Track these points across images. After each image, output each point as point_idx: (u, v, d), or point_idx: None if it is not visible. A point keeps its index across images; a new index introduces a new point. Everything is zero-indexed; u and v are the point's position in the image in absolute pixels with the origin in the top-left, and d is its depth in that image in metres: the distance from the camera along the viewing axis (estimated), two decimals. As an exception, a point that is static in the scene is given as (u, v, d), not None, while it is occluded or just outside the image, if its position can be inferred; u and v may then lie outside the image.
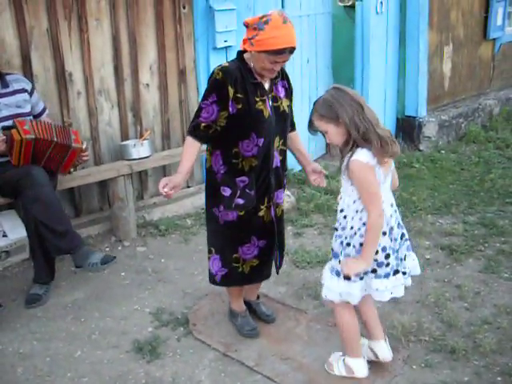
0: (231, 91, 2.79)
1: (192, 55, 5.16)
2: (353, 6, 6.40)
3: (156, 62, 4.94)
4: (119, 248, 4.51)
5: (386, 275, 2.65)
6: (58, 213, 3.61)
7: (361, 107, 2.48)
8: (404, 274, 2.74)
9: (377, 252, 2.60)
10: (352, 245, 2.63)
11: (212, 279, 3.22)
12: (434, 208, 5.10)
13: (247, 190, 2.93)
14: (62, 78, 4.41)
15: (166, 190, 2.77)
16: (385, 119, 6.81)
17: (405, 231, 2.77)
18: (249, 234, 3.05)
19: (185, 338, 3.30)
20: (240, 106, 2.81)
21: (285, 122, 2.99)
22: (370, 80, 6.45)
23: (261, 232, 3.06)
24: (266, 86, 2.91)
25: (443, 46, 7.29)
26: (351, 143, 2.52)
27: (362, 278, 2.66)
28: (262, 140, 2.86)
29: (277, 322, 3.40)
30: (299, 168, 3.68)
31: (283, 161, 3.07)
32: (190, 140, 2.92)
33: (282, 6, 5.46)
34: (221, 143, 2.94)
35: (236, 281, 3.20)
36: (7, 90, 3.82)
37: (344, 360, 2.89)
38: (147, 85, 4.94)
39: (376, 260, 2.61)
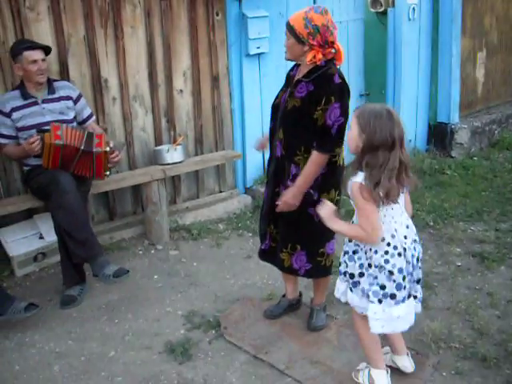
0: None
1: (225, 62, 5.22)
2: (385, 13, 6.37)
3: (190, 68, 5.01)
4: (152, 251, 4.59)
5: (403, 300, 2.58)
6: (80, 220, 3.67)
7: (393, 145, 2.36)
8: (415, 298, 2.69)
9: (393, 273, 2.52)
10: (374, 265, 2.56)
11: None
12: (465, 215, 5.07)
13: (267, 163, 3.34)
14: (97, 84, 4.52)
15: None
16: (417, 125, 6.79)
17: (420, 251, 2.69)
18: (267, 213, 3.31)
19: (216, 340, 3.35)
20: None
21: (287, 118, 3.03)
22: (402, 86, 6.44)
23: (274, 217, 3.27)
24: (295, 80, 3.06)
25: (476, 52, 7.24)
26: (357, 165, 2.45)
27: (380, 301, 2.57)
28: (272, 122, 3.21)
29: (306, 326, 3.43)
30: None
31: (288, 157, 3.06)
32: None
33: (315, 13, 5.48)
34: None
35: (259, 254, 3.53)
36: (53, 96, 3.99)
37: (369, 371, 2.86)
38: (181, 91, 5.01)
39: (394, 281, 2.53)
